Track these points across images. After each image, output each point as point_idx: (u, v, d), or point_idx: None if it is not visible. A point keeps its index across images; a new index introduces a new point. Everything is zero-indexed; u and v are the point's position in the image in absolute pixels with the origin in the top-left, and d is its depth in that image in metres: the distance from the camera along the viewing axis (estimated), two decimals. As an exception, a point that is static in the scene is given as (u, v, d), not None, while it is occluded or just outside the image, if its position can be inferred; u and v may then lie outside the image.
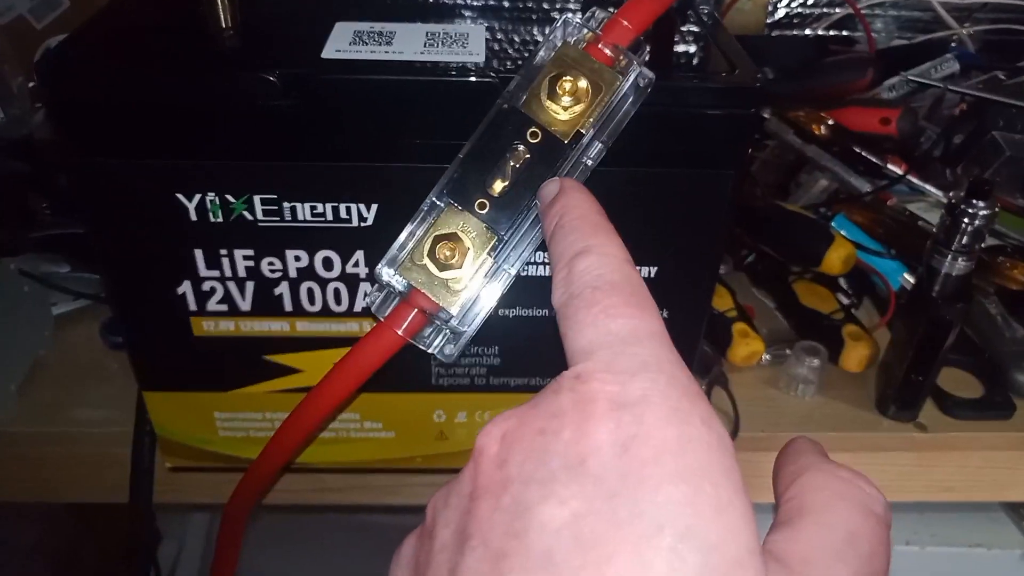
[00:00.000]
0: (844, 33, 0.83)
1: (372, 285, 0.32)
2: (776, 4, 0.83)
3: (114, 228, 0.34)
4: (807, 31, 0.83)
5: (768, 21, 0.83)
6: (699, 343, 0.40)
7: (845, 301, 0.55)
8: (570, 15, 0.28)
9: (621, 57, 0.29)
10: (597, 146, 0.30)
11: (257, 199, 0.34)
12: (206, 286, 0.36)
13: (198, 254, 0.35)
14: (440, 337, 0.29)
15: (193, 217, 0.34)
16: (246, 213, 0.34)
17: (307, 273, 0.36)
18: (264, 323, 0.38)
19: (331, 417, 0.38)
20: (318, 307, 0.37)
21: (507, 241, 0.28)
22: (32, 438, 0.47)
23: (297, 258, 0.36)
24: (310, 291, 0.37)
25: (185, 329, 0.38)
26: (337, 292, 0.37)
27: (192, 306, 0.37)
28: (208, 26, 0.35)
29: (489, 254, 0.28)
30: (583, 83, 0.28)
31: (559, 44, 0.28)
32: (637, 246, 0.36)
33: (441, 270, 0.28)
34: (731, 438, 0.46)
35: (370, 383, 0.40)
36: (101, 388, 0.49)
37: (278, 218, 0.34)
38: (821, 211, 0.62)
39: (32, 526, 0.63)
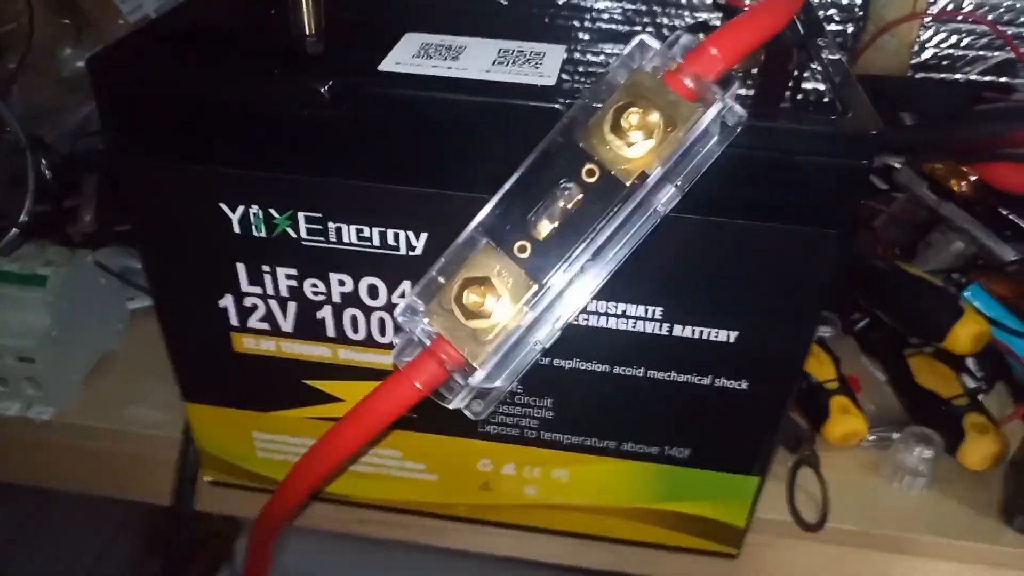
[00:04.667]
0: (1003, 80, 0.74)
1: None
2: (924, 44, 0.75)
3: (157, 233, 0.33)
4: (958, 75, 0.75)
5: (913, 62, 0.75)
6: (781, 421, 0.35)
7: (972, 384, 0.48)
8: (648, 37, 0.24)
9: (705, 90, 0.24)
10: (670, 190, 0.26)
11: (302, 216, 0.31)
12: (248, 302, 0.34)
13: (240, 268, 0.33)
14: (466, 392, 0.26)
15: (236, 229, 0.32)
16: (290, 230, 0.32)
17: (351, 299, 0.34)
18: (306, 347, 0.36)
19: (346, 461, 0.35)
20: (362, 336, 0.35)
21: (548, 291, 0.25)
22: (89, 431, 0.47)
23: (341, 282, 0.33)
24: (354, 318, 0.34)
25: (226, 344, 0.36)
26: (382, 322, 0.34)
27: (234, 321, 0.35)
28: (292, 30, 0.33)
29: (526, 304, 0.24)
30: (655, 116, 0.24)
31: (632, 70, 0.24)
32: (716, 305, 0.32)
33: (468, 318, 0.24)
34: (818, 527, 0.41)
35: (413, 421, 0.37)
36: (163, 390, 0.48)
37: (323, 238, 0.32)
38: (954, 277, 0.55)
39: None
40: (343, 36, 0.34)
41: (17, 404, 0.46)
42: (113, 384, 0.49)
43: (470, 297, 0.24)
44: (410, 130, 0.29)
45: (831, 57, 0.33)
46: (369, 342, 0.35)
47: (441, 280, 0.25)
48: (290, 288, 0.34)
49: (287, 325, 0.35)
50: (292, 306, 0.34)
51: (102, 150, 0.55)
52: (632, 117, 0.24)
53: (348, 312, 0.34)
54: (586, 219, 0.24)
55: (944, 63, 0.76)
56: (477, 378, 0.25)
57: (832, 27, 0.76)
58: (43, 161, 0.56)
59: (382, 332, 0.35)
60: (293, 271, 0.33)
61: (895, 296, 0.50)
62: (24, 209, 0.55)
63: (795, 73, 0.31)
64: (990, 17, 0.73)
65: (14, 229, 0.53)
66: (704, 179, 0.26)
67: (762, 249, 0.30)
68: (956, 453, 0.44)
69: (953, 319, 0.45)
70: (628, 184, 0.24)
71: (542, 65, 0.30)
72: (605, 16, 0.37)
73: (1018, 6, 0.71)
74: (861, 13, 0.74)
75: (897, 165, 0.60)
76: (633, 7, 0.37)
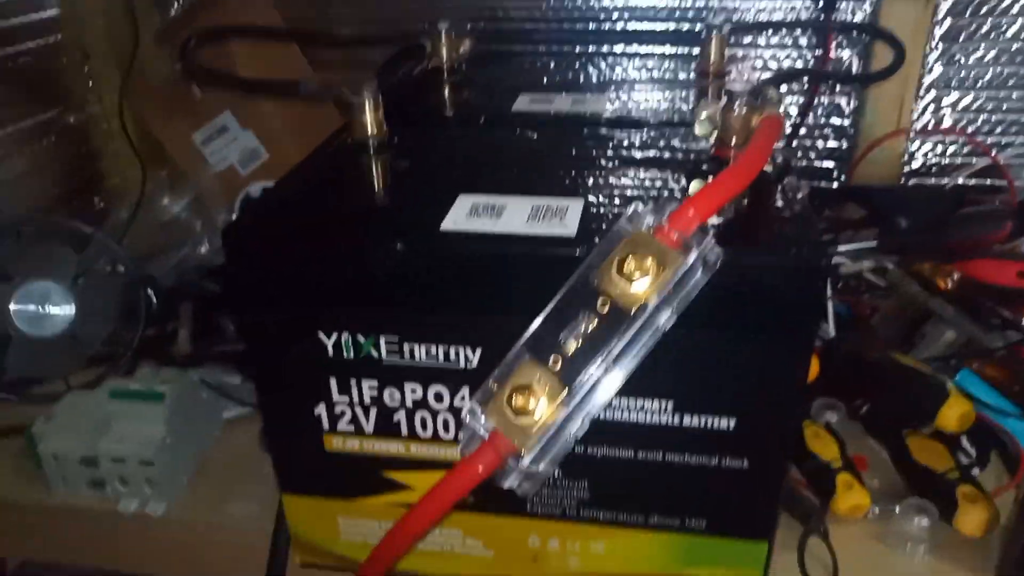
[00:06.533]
0: (988, 182, 0.81)
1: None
2: (913, 153, 0.83)
3: (266, 358, 0.42)
4: (947, 179, 0.83)
5: (906, 170, 0.84)
6: (778, 493, 0.41)
7: (964, 459, 0.54)
8: (640, 205, 0.33)
9: (687, 240, 0.33)
10: (666, 314, 0.34)
11: (382, 340, 0.40)
12: (337, 409, 0.43)
13: (332, 382, 0.42)
14: (517, 474, 0.34)
15: (330, 352, 0.41)
16: (373, 351, 0.41)
17: (421, 404, 0.42)
18: (384, 444, 0.44)
19: (423, 535, 0.43)
20: (429, 433, 0.43)
21: (577, 393, 0.33)
22: (193, 524, 0.55)
23: (413, 391, 0.41)
24: (423, 419, 0.42)
25: (319, 443, 0.44)
26: (446, 422, 0.42)
27: (326, 425, 0.43)
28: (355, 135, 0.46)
29: (561, 404, 0.32)
30: (649, 262, 0.32)
31: (630, 228, 0.33)
32: (714, 398, 0.39)
33: (517, 416, 0.32)
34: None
35: (472, 505, 0.45)
36: (255, 488, 0.56)
37: (399, 356, 0.40)
38: (951, 363, 0.61)
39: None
40: (412, 194, 0.44)
41: (136, 501, 0.54)
42: (213, 483, 0.57)
43: (517, 400, 0.32)
44: (466, 274, 0.38)
45: (797, 196, 0.41)
46: (435, 438, 0.43)
47: (495, 387, 0.33)
48: (371, 397, 0.42)
49: (369, 427, 0.43)
50: (373, 411, 0.43)
51: (216, 293, 0.65)
52: (632, 263, 0.32)
53: (419, 414, 0.42)
54: (602, 339, 0.32)
55: (933, 169, 0.84)
56: (525, 463, 0.32)
57: (829, 144, 0.86)
58: (151, 295, 0.67)
59: (446, 430, 0.43)
60: (375, 383, 0.42)
61: (890, 384, 0.57)
62: (137, 335, 0.65)
63: (766, 213, 0.40)
64: (969, 130, 0.81)
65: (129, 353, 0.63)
66: (695, 303, 0.34)
67: (745, 353, 0.37)
68: (952, 521, 0.50)
69: (940, 402, 0.52)
70: (632, 312, 0.32)
71: (566, 218, 0.39)
72: (621, 163, 0.46)
73: (993, 119, 0.80)
74: (852, 131, 0.83)
75: (890, 266, 0.67)
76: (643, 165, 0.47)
